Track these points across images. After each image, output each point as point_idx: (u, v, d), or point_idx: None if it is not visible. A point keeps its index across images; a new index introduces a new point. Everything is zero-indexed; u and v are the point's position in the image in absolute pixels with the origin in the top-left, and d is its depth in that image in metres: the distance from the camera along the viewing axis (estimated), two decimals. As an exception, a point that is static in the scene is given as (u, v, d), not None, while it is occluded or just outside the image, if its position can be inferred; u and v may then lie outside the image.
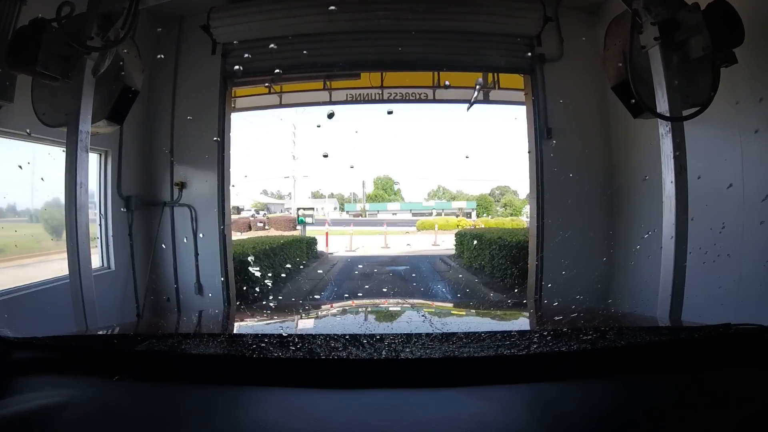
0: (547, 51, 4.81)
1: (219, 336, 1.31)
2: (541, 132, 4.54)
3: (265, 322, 1.82)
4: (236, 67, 4.60)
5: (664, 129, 2.63)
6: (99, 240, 4.68)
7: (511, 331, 1.14)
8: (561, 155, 4.51)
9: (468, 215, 34.93)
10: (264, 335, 1.15)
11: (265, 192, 47.09)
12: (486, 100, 6.07)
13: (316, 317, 1.90)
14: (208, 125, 4.77)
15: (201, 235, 4.72)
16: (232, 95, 5.21)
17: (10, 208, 4.01)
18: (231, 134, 4.82)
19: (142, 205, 4.81)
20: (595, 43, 4.84)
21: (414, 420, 0.83)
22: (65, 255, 4.15)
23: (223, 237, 4.62)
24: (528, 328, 1.74)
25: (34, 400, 0.89)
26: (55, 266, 3.79)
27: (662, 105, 2.64)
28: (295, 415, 0.85)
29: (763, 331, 1.06)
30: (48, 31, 2.51)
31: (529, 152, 4.67)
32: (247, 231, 21.16)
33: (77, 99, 2.74)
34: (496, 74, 5.82)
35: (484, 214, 37.53)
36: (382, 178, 48.62)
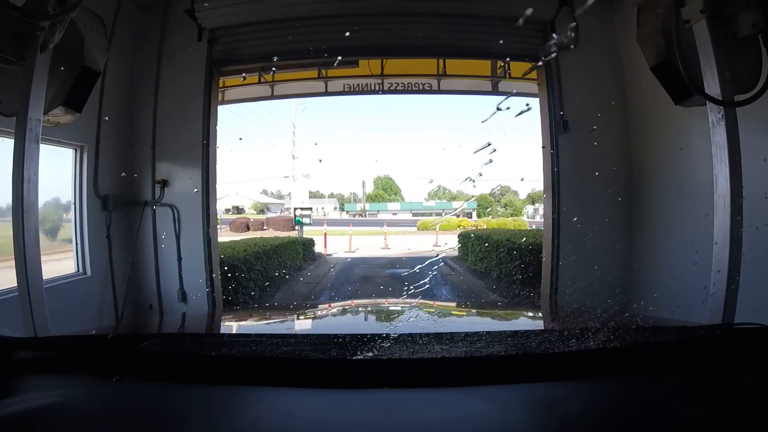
0: (562, 38, 4.42)
1: (219, 336, 1.33)
2: (558, 125, 4.15)
3: (264, 322, 1.82)
4: (223, 53, 4.20)
5: (715, 116, 2.23)
6: (74, 243, 4.31)
7: (511, 331, 1.13)
8: (579, 150, 4.12)
9: (469, 215, 34.78)
10: (264, 335, 1.16)
11: (264, 192, 46.95)
12: (495, 92, 5.66)
13: (317, 317, 1.86)
14: (193, 118, 4.40)
15: (185, 237, 4.34)
16: (221, 86, 4.82)
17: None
18: (218, 128, 4.43)
19: (121, 204, 4.43)
20: (612, 29, 4.49)
21: (414, 420, 0.82)
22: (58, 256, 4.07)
23: (208, 240, 4.22)
24: (528, 328, 1.66)
25: (35, 400, 0.88)
26: (48, 267, 3.79)
27: (712, 88, 2.25)
28: (295, 415, 0.84)
29: (764, 330, 1.06)
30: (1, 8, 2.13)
31: (543, 147, 4.28)
32: (245, 231, 20.91)
33: (27, 82, 2.35)
34: (506, 63, 5.41)
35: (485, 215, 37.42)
36: (382, 177, 48.48)
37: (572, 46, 4.44)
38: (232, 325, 1.82)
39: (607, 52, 4.39)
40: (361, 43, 3.93)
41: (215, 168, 4.36)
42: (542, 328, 1.61)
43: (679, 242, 3.70)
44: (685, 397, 0.92)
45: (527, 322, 1.84)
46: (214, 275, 4.29)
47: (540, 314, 2.09)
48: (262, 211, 37.69)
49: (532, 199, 46.24)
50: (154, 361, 1.05)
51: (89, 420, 0.85)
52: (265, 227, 22.02)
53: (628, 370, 0.98)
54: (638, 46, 3.49)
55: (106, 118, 4.15)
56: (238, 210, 38.00)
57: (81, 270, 4.29)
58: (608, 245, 4.02)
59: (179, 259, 4.32)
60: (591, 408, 0.88)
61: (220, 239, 9.76)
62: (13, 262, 3.77)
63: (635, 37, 4.28)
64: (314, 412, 0.85)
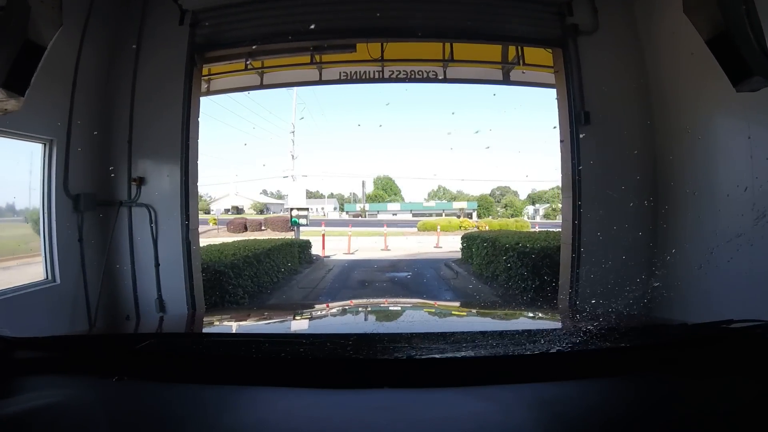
0: (581, 21, 4.02)
1: (220, 336, 1.36)
2: (578, 117, 3.72)
3: (264, 322, 1.83)
4: (206, 38, 3.79)
5: (789, 97, 1.83)
6: (42, 248, 3.91)
7: (511, 331, 1.11)
8: (601, 144, 3.71)
9: (469, 216, 34.59)
10: (264, 335, 1.22)
11: (264, 192, 46.70)
12: (506, 81, 5.22)
13: (317, 317, 1.85)
14: (174, 110, 4.00)
15: (163, 240, 3.93)
16: (204, 74, 4.41)
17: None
18: (200, 120, 4.02)
19: (95, 204, 4.02)
20: (634, 12, 4.10)
21: (414, 420, 0.82)
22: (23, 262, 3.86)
23: (188, 243, 3.80)
24: (528, 328, 1.62)
25: (34, 400, 0.88)
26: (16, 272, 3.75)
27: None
28: (295, 415, 0.84)
29: (765, 328, 1.04)
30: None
31: (561, 141, 3.86)
32: (243, 231, 20.57)
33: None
34: (519, 48, 4.96)
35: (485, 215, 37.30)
36: (381, 177, 48.27)
37: (591, 31, 4.04)
38: (232, 325, 1.81)
39: (629, 36, 4.00)
40: (359, 24, 3.51)
41: (196, 164, 3.95)
42: (543, 328, 1.59)
43: (712, 243, 3.33)
44: (686, 396, 0.91)
45: (529, 322, 1.81)
46: (195, 284, 3.87)
47: (541, 314, 2.08)
48: (261, 212, 37.47)
49: (532, 199, 46.12)
50: (154, 361, 1.04)
51: (89, 420, 0.84)
52: (263, 228, 21.70)
53: (629, 370, 0.98)
54: (666, 30, 3.10)
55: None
56: (238, 210, 37.70)
57: (49, 277, 3.89)
58: (633, 248, 3.62)
59: (156, 264, 3.91)
60: (591, 408, 0.87)
61: (213, 241, 9.39)
62: (7, 263, 3.52)
63: (661, 19, 3.87)
64: (314, 412, 0.84)
